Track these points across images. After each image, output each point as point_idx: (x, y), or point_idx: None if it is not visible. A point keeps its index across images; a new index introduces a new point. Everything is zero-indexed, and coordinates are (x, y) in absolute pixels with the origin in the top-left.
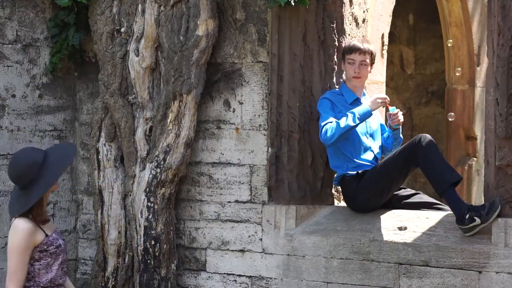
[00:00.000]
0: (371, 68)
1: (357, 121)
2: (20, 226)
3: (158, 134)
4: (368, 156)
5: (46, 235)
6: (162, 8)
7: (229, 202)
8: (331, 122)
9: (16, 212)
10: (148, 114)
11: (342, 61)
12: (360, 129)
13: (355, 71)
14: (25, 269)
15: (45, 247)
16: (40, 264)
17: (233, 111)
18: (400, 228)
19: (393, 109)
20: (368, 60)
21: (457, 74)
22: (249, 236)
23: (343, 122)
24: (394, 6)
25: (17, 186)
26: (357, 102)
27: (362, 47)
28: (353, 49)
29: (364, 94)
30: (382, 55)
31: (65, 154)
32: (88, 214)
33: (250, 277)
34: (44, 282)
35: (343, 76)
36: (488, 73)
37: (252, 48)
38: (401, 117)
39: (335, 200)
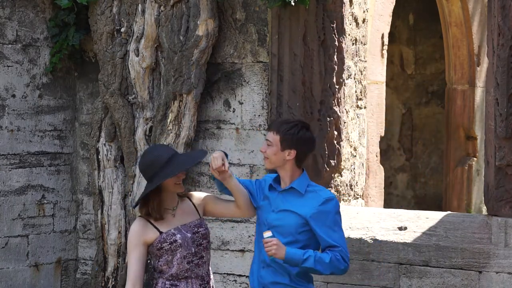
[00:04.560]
0: (288, 154)
1: None
2: (132, 226)
3: (158, 134)
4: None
5: (161, 233)
6: (162, 8)
7: None
8: None
9: (133, 204)
10: (148, 114)
11: None
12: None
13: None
14: (136, 266)
15: (159, 245)
16: (162, 261)
17: (233, 111)
18: (400, 228)
19: (267, 235)
20: (270, 139)
21: None
22: (249, 236)
23: None
24: (394, 6)
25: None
26: (272, 189)
27: (273, 124)
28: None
29: (303, 185)
30: (382, 55)
31: (193, 155)
32: (88, 214)
33: None
34: (166, 276)
35: (343, 75)
36: (488, 73)
37: (252, 48)
38: (272, 248)
39: None
